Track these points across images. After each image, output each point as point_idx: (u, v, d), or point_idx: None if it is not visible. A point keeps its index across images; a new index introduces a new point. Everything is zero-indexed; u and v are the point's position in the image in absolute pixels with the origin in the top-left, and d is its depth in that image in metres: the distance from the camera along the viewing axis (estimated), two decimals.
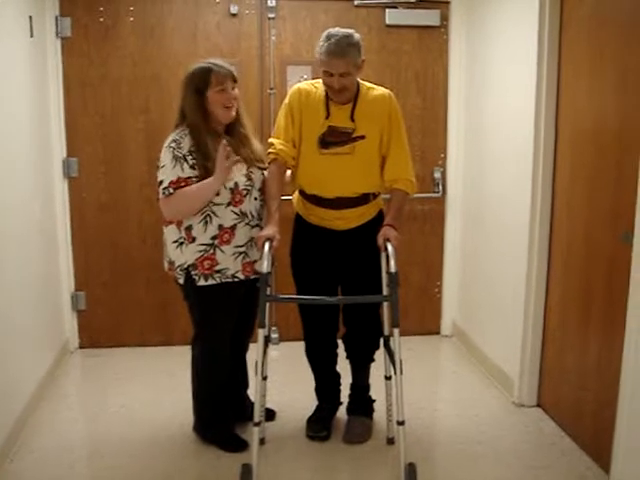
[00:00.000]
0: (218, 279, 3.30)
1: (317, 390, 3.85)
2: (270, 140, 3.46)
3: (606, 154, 3.30)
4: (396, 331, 3.11)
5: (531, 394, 4.08)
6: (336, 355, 3.77)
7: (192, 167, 3.21)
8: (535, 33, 3.77)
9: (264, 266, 3.08)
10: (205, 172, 3.20)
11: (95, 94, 4.83)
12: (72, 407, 4.25)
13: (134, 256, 5.06)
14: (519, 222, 4.03)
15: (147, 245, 5.03)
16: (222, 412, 3.58)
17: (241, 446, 3.50)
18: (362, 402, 3.83)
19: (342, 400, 3.88)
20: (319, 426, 3.73)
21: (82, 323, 5.13)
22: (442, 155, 5.21)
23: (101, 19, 4.76)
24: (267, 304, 3.11)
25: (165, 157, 3.24)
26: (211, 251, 3.28)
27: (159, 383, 4.52)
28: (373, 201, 3.53)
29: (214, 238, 3.28)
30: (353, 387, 3.84)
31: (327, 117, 3.39)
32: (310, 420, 3.78)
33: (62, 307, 4.97)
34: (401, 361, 3.11)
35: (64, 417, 4.03)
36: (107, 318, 5.13)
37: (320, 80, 3.43)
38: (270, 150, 3.42)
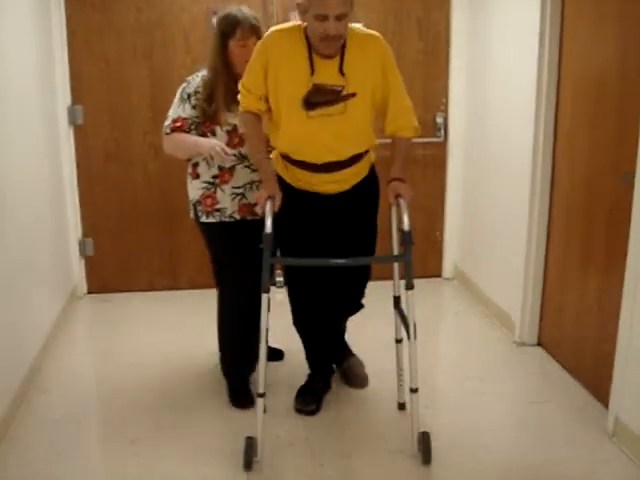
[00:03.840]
0: (218, 217, 3.39)
1: (308, 358, 3.61)
2: (240, 86, 3.11)
3: (608, 98, 3.33)
4: (410, 294, 2.91)
5: (532, 333, 4.17)
6: (326, 322, 3.52)
7: (193, 107, 3.33)
8: None
9: (267, 226, 2.92)
10: (203, 115, 3.31)
11: (99, 41, 4.83)
12: (84, 350, 4.37)
13: (140, 202, 5.13)
14: (521, 165, 4.07)
15: (153, 192, 5.10)
16: (237, 361, 3.58)
17: (248, 403, 3.45)
18: (343, 343, 3.70)
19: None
20: (308, 399, 3.48)
21: (90, 269, 5.22)
22: (444, 100, 5.22)
23: None
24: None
25: (176, 95, 3.41)
26: (212, 189, 3.38)
27: (167, 326, 4.62)
28: (365, 157, 3.20)
29: (215, 177, 3.38)
30: (332, 334, 3.63)
31: (312, 73, 2.95)
32: (299, 393, 3.54)
33: (70, 253, 5.04)
34: (415, 326, 2.96)
35: (77, 360, 4.15)
36: (115, 264, 5.22)
37: (300, 24, 2.98)
38: (241, 99, 3.12)
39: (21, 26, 3.98)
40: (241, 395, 3.53)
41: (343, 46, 2.93)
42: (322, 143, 3.04)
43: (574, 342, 3.75)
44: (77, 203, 5.06)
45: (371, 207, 3.25)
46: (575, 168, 3.69)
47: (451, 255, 5.51)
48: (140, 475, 2.96)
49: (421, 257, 5.34)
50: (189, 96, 3.34)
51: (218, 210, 3.38)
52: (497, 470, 2.98)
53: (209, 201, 3.38)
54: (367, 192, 3.24)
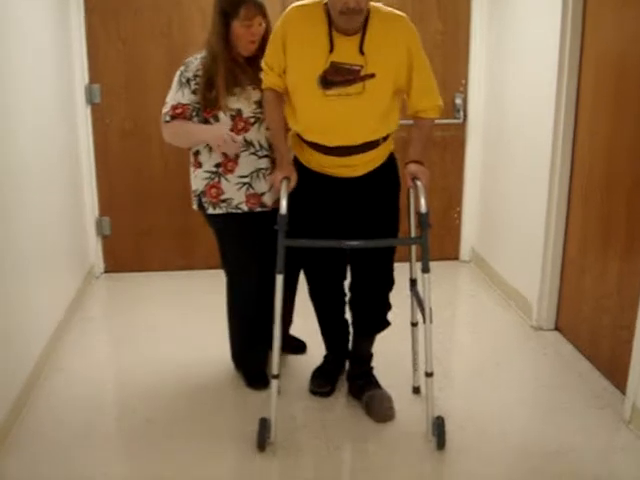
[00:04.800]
0: (224, 208, 3.26)
1: (324, 337, 3.55)
2: (263, 64, 3.02)
3: (630, 80, 3.28)
4: (426, 277, 2.88)
5: (549, 318, 4.15)
6: (344, 303, 3.41)
7: (193, 92, 3.17)
8: None
9: (283, 208, 2.86)
10: (204, 100, 3.15)
11: (117, 19, 4.82)
12: (100, 329, 4.39)
13: (157, 182, 5.13)
14: (541, 148, 4.03)
15: (169, 171, 5.08)
16: (249, 346, 3.54)
17: (262, 384, 3.44)
18: (368, 374, 3.44)
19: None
20: (322, 381, 3.47)
21: (107, 248, 5.24)
22: (463, 81, 5.17)
23: None
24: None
25: (174, 79, 3.24)
26: (216, 179, 3.24)
27: (183, 306, 4.63)
28: (383, 144, 3.07)
29: (218, 166, 3.23)
30: (356, 359, 3.47)
31: (331, 51, 2.85)
32: (314, 374, 3.53)
33: (87, 232, 5.06)
34: (431, 309, 2.92)
35: (93, 339, 4.17)
36: (131, 243, 5.23)
37: (321, 0, 2.89)
38: (263, 77, 3.04)
39: (38, 4, 3.95)
40: (256, 376, 3.52)
41: (365, 24, 2.83)
42: (338, 124, 2.93)
43: (592, 328, 3.72)
44: (94, 182, 5.07)
45: (389, 196, 3.13)
46: (595, 151, 3.64)
47: (468, 238, 5.48)
48: (154, 454, 2.97)
49: (438, 240, 5.33)
50: (188, 80, 3.17)
51: (224, 201, 3.25)
52: (512, 455, 2.97)
53: (214, 192, 3.25)
54: (384, 179, 3.11)
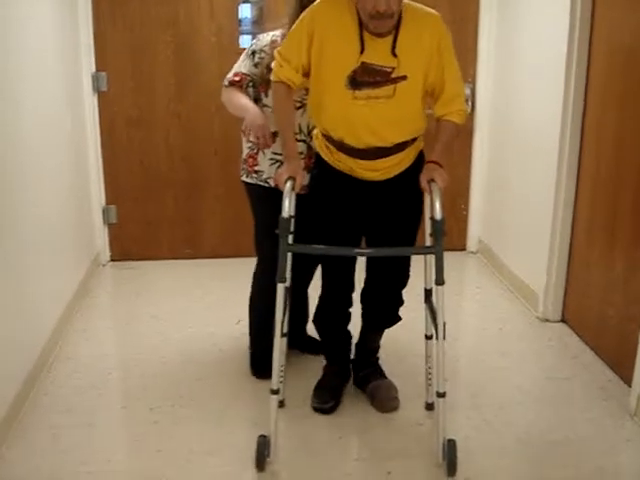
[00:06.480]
0: (255, 179, 3.36)
1: (326, 352, 3.41)
2: (276, 53, 2.87)
3: (639, 71, 3.25)
4: (440, 289, 2.63)
5: (556, 309, 4.13)
6: (349, 315, 3.27)
7: (255, 65, 3.26)
8: None
9: (285, 210, 2.64)
10: (261, 77, 3.23)
11: (124, 7, 4.80)
12: (106, 317, 4.40)
13: (163, 170, 5.12)
14: (549, 139, 4.00)
15: (176, 160, 5.09)
16: (261, 332, 3.50)
17: (267, 373, 3.19)
18: (374, 364, 3.39)
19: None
20: (326, 395, 3.25)
21: (113, 236, 5.24)
22: (472, 71, 5.14)
23: None
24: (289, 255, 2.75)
25: (245, 49, 3.36)
26: (255, 150, 3.34)
27: (189, 294, 4.63)
28: (412, 145, 2.93)
29: (259, 139, 3.26)
30: (363, 350, 3.40)
31: (362, 51, 2.70)
32: (317, 387, 3.31)
33: (94, 221, 5.06)
34: (444, 324, 2.68)
35: (98, 327, 4.17)
36: (137, 232, 5.23)
37: None
38: (276, 69, 2.88)
39: None
40: (261, 364, 3.48)
41: (398, 23, 2.67)
42: (367, 126, 2.80)
43: (598, 319, 3.70)
44: (101, 170, 5.06)
45: (413, 199, 2.97)
46: (603, 143, 3.62)
47: (476, 228, 5.47)
48: (158, 441, 2.97)
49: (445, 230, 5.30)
50: (254, 53, 3.26)
51: (256, 172, 3.35)
52: (517, 446, 2.95)
53: (251, 161, 3.36)
54: (411, 180, 2.87)
